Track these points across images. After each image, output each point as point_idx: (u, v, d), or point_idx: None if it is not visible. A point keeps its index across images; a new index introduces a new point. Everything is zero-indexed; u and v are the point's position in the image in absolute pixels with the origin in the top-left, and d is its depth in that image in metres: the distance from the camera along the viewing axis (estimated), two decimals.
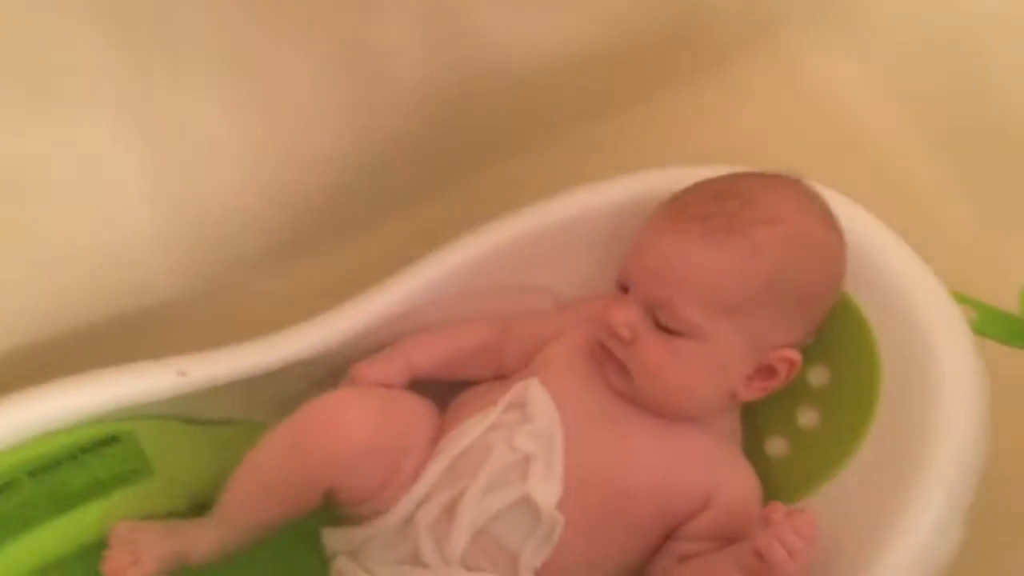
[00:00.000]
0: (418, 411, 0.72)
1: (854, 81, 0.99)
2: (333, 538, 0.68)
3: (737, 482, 0.69)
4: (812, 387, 0.72)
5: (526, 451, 0.66)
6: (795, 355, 0.67)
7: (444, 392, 0.75)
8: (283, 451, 0.67)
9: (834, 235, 0.68)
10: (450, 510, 0.65)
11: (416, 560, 0.65)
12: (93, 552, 0.64)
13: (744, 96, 1.01)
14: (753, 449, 0.72)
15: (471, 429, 0.68)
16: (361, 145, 0.85)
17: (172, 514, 0.68)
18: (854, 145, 0.95)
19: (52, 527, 0.63)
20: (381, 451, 0.67)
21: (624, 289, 0.68)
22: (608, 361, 0.68)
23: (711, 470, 0.68)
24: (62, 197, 0.72)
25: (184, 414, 0.71)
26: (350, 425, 0.67)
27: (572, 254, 0.78)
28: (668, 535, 0.68)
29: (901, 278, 0.69)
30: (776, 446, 0.73)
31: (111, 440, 0.67)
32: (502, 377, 0.74)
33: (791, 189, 0.68)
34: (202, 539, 0.64)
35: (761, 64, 1.01)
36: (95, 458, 0.66)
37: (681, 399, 0.67)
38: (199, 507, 0.69)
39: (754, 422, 0.73)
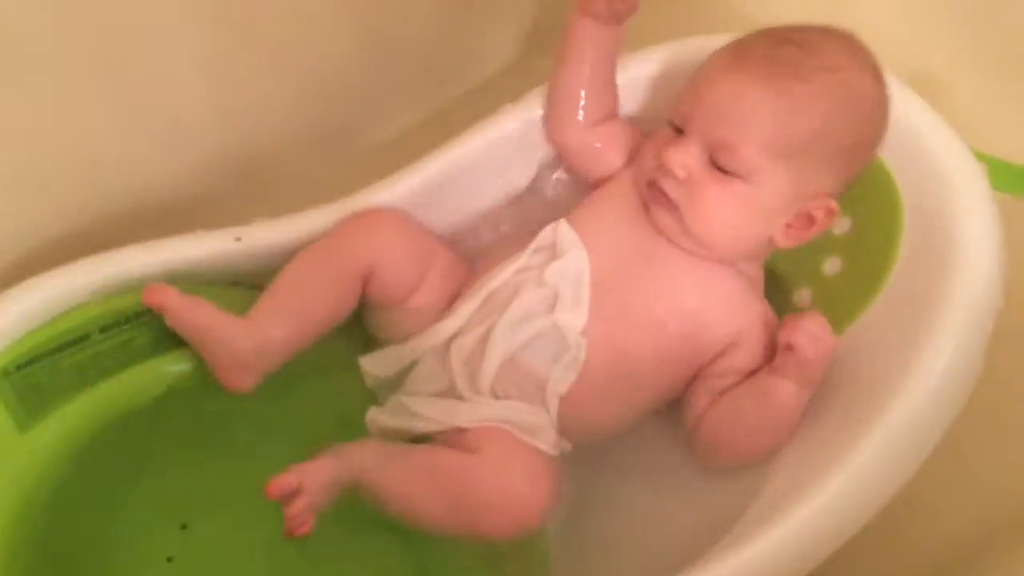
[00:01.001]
0: (440, 242, 0.77)
1: None
2: (371, 363, 0.73)
3: (759, 322, 0.72)
4: (835, 236, 0.75)
5: (554, 285, 0.70)
6: (833, 204, 0.69)
7: None
8: (322, 244, 0.72)
9: (883, 90, 0.69)
10: (482, 342, 0.69)
11: (452, 392, 0.69)
12: (163, 403, 0.69)
13: None
14: (780, 300, 0.76)
15: (502, 271, 0.72)
16: None
17: None
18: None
19: (122, 378, 0.68)
20: (412, 243, 0.73)
21: (678, 130, 0.69)
22: (657, 199, 0.70)
23: (742, 309, 0.71)
24: None
25: (242, 279, 0.75)
26: (385, 215, 0.74)
27: None
28: (695, 373, 0.72)
29: (922, 132, 0.71)
30: (801, 296, 0.77)
31: None
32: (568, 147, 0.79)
33: (847, 41, 0.68)
34: (236, 326, 0.66)
35: None
36: (159, 318, 0.69)
37: (727, 239, 0.70)
38: None
39: (780, 273, 0.76)
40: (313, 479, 0.61)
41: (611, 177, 0.77)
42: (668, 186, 0.68)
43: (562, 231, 0.72)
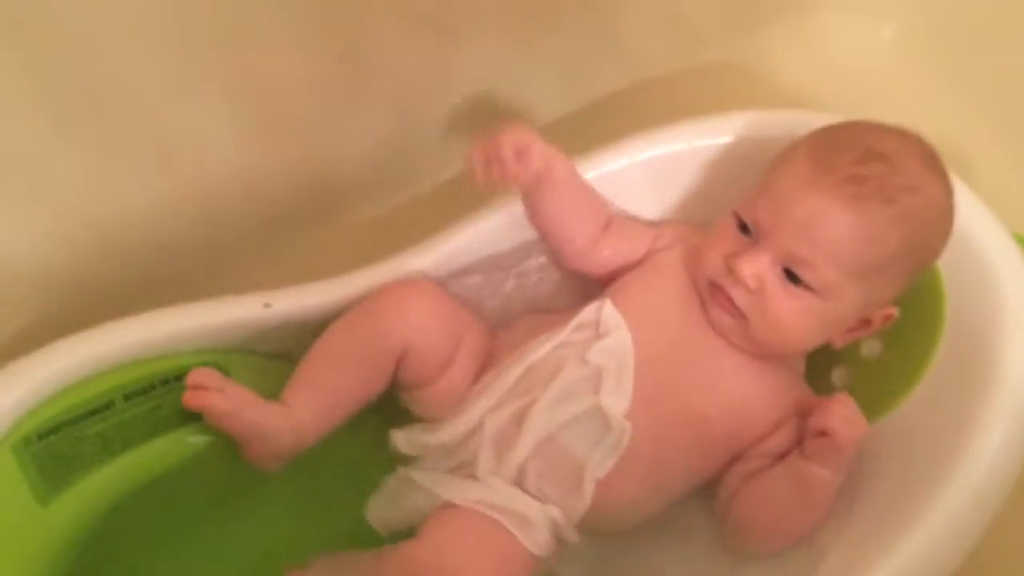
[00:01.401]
0: (469, 313, 0.75)
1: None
2: (400, 438, 0.71)
3: (804, 408, 0.70)
4: None
5: (598, 365, 0.68)
6: (894, 310, 0.69)
7: None
8: (354, 321, 0.70)
9: (952, 200, 0.68)
10: (519, 419, 0.67)
11: (469, 470, 0.67)
12: (186, 473, 0.67)
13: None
14: (819, 379, 0.75)
15: (541, 345, 0.70)
16: None
17: None
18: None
19: (147, 448, 0.66)
20: (445, 320, 0.71)
21: (744, 228, 0.68)
22: (721, 303, 0.69)
23: (785, 399, 0.71)
24: None
25: (268, 350, 0.73)
26: (417, 290, 0.72)
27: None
28: (732, 459, 0.71)
29: (964, 219, 0.70)
30: (840, 376, 0.76)
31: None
32: (579, 270, 0.77)
33: (922, 149, 0.68)
34: (277, 420, 0.66)
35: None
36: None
37: (790, 347, 0.70)
38: None
39: (820, 353, 0.75)
40: None
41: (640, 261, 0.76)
42: (736, 294, 0.67)
43: (607, 311, 0.71)
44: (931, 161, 0.68)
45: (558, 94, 0.99)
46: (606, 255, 0.76)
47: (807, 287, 0.65)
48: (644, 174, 0.79)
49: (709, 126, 0.79)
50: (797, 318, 0.67)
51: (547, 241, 0.78)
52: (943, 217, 0.68)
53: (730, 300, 0.68)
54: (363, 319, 0.70)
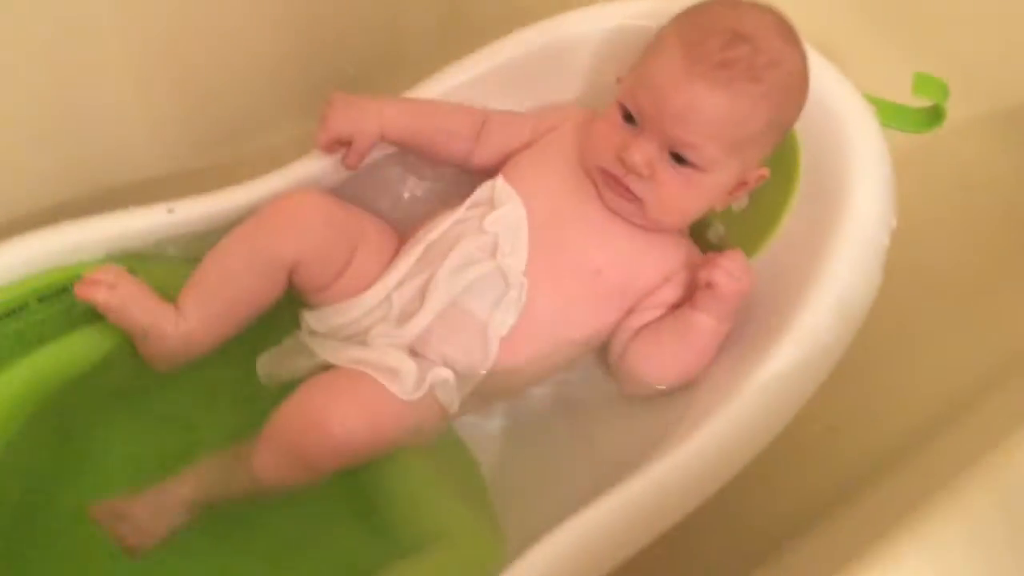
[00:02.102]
0: (367, 217, 0.79)
1: None
2: (311, 317, 0.75)
3: (690, 262, 0.77)
4: None
5: (493, 233, 0.73)
6: (766, 171, 0.74)
7: None
8: (246, 233, 0.73)
9: (807, 64, 0.73)
10: (422, 290, 0.72)
11: (361, 340, 0.72)
12: (100, 370, 0.71)
13: None
14: (698, 236, 0.81)
15: (439, 224, 0.75)
16: None
17: None
18: None
19: (61, 344, 0.71)
20: (337, 229, 0.74)
21: (629, 118, 0.72)
22: (614, 189, 0.73)
23: (672, 256, 0.76)
24: None
25: (173, 253, 0.78)
26: (309, 203, 0.74)
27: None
28: (626, 314, 0.76)
29: (817, 79, 0.75)
30: (716, 231, 0.82)
31: None
32: (470, 171, 0.81)
33: (778, 23, 0.72)
34: (163, 323, 0.69)
35: None
36: None
37: (681, 222, 0.76)
38: None
39: None
40: (144, 506, 0.66)
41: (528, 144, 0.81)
42: (631, 182, 0.72)
43: (499, 186, 0.76)
44: (787, 33, 0.73)
45: None
46: (491, 150, 0.81)
47: (693, 166, 0.70)
48: (519, 69, 0.85)
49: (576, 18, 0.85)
50: (687, 195, 0.72)
51: (437, 162, 0.83)
52: (802, 83, 0.73)
53: (625, 187, 0.72)
54: (254, 231, 0.73)
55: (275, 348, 0.74)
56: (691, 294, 0.74)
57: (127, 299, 0.68)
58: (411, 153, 0.82)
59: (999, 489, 0.55)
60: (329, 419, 0.65)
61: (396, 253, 0.78)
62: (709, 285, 0.71)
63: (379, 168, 0.84)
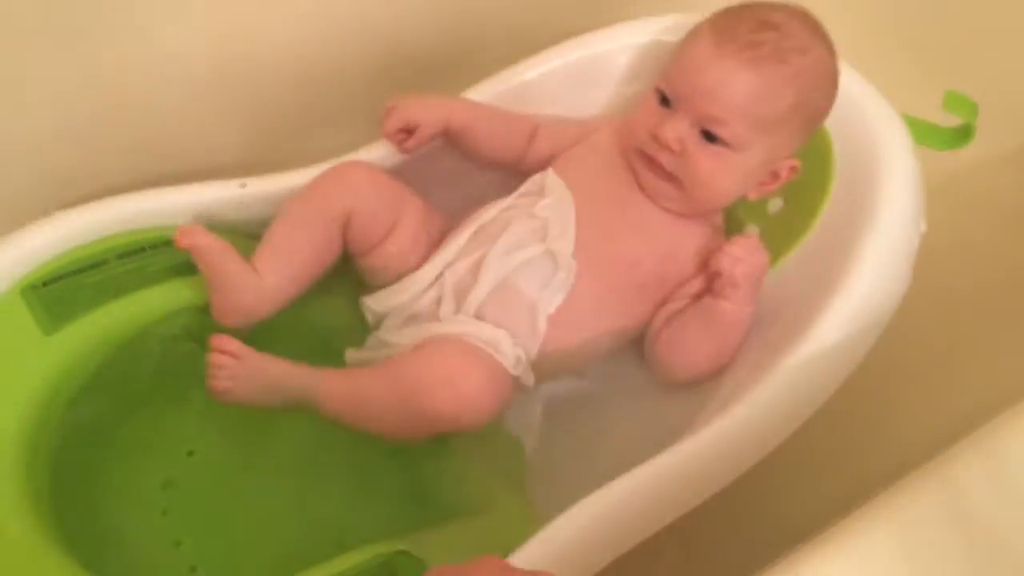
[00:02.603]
0: (413, 194, 0.83)
1: None
2: (372, 300, 0.80)
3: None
4: None
5: (544, 218, 0.78)
6: (797, 162, 0.79)
7: None
8: (302, 196, 0.79)
9: (836, 62, 0.78)
10: (475, 269, 0.77)
11: (431, 316, 0.76)
12: (172, 319, 0.77)
13: None
14: (734, 233, 0.84)
15: (490, 209, 0.80)
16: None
17: None
18: None
19: (137, 297, 0.76)
20: (380, 190, 0.80)
21: (665, 101, 0.77)
22: (651, 168, 0.78)
23: (706, 250, 0.80)
24: None
25: (244, 228, 0.83)
26: (355, 166, 0.81)
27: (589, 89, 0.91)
28: (662, 301, 0.80)
29: (852, 90, 0.81)
30: (751, 231, 0.86)
31: None
32: (519, 172, 0.86)
33: (808, 19, 0.77)
34: (245, 276, 0.75)
35: None
36: (170, 251, 0.77)
37: (714, 201, 0.79)
38: None
39: (734, 213, 0.86)
40: (254, 361, 0.72)
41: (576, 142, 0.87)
42: (664, 158, 0.76)
43: (550, 177, 0.81)
44: (816, 29, 0.78)
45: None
46: (541, 154, 0.86)
47: (722, 143, 0.75)
48: (571, 75, 0.90)
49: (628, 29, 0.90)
50: (718, 172, 0.76)
51: (489, 160, 0.88)
52: (829, 76, 0.77)
53: (660, 165, 0.77)
54: (308, 192, 0.79)
55: (359, 349, 0.79)
56: None
57: (219, 247, 0.74)
58: (466, 150, 0.87)
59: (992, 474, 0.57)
60: (469, 380, 0.69)
61: (440, 233, 0.83)
62: (718, 273, 0.75)
63: (433, 159, 0.89)
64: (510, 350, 0.74)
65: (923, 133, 0.85)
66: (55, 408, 0.72)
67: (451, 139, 0.85)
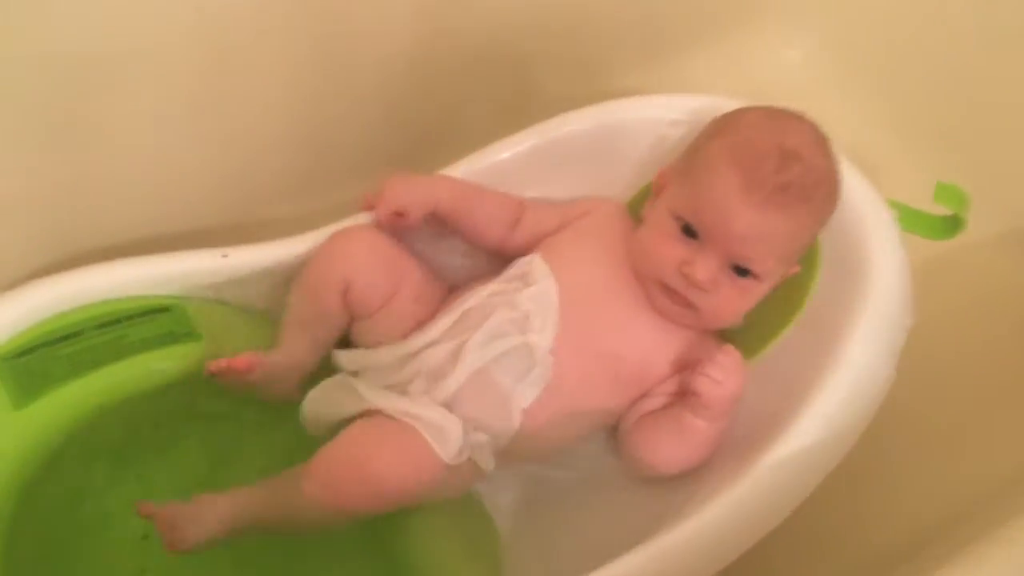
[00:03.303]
0: (416, 262, 0.84)
1: None
2: (342, 356, 0.80)
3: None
4: None
5: (526, 309, 0.77)
6: (798, 267, 0.79)
7: None
8: (310, 265, 0.80)
9: (840, 172, 0.78)
10: (454, 355, 0.76)
11: (401, 391, 0.75)
12: (152, 395, 0.76)
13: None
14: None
15: (476, 293, 0.80)
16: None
17: None
18: None
19: (112, 369, 0.75)
20: (380, 258, 0.80)
21: (690, 232, 0.75)
22: (669, 298, 0.77)
23: (694, 350, 0.80)
24: None
25: (225, 298, 0.83)
26: (356, 232, 0.82)
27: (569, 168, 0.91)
28: (640, 395, 0.79)
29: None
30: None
31: (163, 309, 0.79)
32: (502, 255, 0.85)
33: (816, 136, 0.77)
34: (281, 363, 0.78)
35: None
36: (150, 321, 0.77)
37: (727, 323, 0.79)
38: None
39: None
40: (184, 511, 0.69)
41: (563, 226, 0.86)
42: (692, 295, 0.76)
43: (536, 263, 0.81)
44: (826, 145, 0.78)
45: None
46: (524, 238, 0.86)
47: (752, 276, 0.75)
48: (549, 154, 0.90)
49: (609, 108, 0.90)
50: (741, 302, 0.77)
51: (472, 241, 0.88)
52: (839, 190, 0.78)
53: (685, 299, 0.77)
54: (314, 260, 0.81)
55: (322, 384, 0.78)
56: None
57: (253, 362, 0.76)
58: (453, 230, 0.86)
59: None
60: (376, 462, 0.69)
61: (436, 303, 0.83)
62: (695, 392, 0.74)
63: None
64: (455, 438, 0.72)
65: (912, 221, 0.85)
66: (23, 482, 0.70)
67: (439, 220, 0.85)
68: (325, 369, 0.80)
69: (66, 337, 0.74)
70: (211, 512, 0.70)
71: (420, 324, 0.80)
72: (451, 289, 0.85)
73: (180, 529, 0.68)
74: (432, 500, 0.75)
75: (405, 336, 0.80)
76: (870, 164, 0.86)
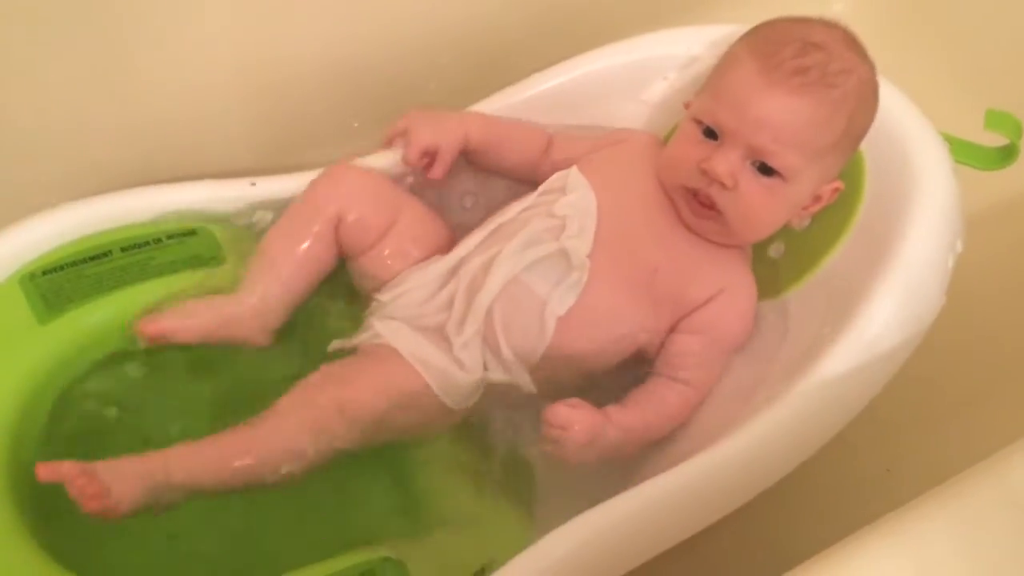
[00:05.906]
0: (413, 199, 0.82)
1: None
2: (383, 296, 0.77)
3: (742, 287, 0.77)
4: None
5: (563, 216, 0.75)
6: (841, 184, 0.75)
7: None
8: (298, 201, 0.79)
9: (875, 74, 0.74)
10: (487, 265, 0.73)
11: (438, 331, 0.73)
12: None
13: None
14: (758, 253, 0.81)
15: (509, 209, 0.78)
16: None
17: None
18: None
19: (136, 289, 0.74)
20: (373, 193, 0.78)
21: (708, 133, 0.73)
22: (696, 204, 0.74)
23: (728, 273, 0.77)
24: None
25: (256, 227, 0.82)
26: (348, 169, 0.80)
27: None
28: (674, 321, 0.76)
29: (890, 106, 0.77)
30: (777, 248, 0.81)
31: (191, 233, 0.78)
32: (535, 182, 0.82)
33: (846, 35, 0.73)
34: (233, 309, 0.74)
35: None
36: (177, 244, 0.77)
37: (759, 234, 0.76)
38: None
39: None
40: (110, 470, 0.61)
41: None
42: (714, 193, 0.72)
43: (573, 175, 0.78)
44: (856, 45, 0.74)
45: None
46: (556, 164, 0.83)
47: (776, 175, 0.71)
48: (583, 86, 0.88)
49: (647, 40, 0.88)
50: (769, 206, 0.73)
51: (505, 170, 0.86)
52: (873, 93, 0.74)
53: (709, 202, 0.73)
54: (303, 196, 0.79)
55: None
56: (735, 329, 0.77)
57: (183, 319, 0.73)
58: (482, 164, 0.85)
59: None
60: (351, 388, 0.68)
61: (443, 239, 0.81)
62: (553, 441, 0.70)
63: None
64: (462, 384, 0.72)
65: (963, 152, 0.81)
66: (45, 395, 0.70)
67: (468, 156, 0.83)
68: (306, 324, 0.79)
69: (94, 257, 0.74)
70: (148, 469, 0.62)
71: (432, 253, 0.78)
72: (456, 229, 0.83)
73: (104, 494, 0.60)
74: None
75: (421, 260, 0.78)
76: (916, 94, 0.83)
